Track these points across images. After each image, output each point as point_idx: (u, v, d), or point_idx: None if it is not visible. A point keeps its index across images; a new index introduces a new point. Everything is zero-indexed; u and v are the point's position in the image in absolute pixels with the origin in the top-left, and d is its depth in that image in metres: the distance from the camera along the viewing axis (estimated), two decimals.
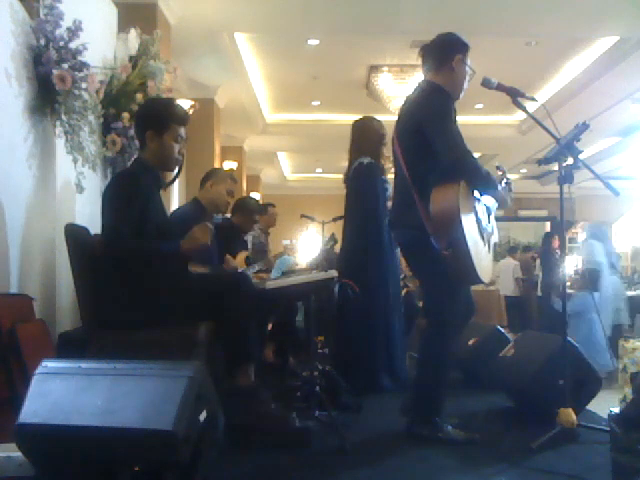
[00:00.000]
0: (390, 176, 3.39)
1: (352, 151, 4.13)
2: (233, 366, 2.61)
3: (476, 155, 11.05)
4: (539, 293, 8.90)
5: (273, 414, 2.60)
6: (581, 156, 2.76)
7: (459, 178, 2.62)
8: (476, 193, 2.76)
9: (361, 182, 4.00)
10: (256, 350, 2.73)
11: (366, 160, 3.99)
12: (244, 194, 9.26)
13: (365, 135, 4.07)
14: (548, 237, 9.28)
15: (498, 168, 2.97)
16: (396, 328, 4.00)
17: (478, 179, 2.69)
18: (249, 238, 5.24)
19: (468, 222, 2.60)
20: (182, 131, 2.79)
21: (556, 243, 9.15)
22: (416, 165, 2.74)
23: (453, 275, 2.65)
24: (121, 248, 2.56)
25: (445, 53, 2.82)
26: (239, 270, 4.00)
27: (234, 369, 2.60)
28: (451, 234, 2.55)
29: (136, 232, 2.56)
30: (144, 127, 2.77)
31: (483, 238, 2.75)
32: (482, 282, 2.71)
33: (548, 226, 14.86)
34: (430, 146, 2.65)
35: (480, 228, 2.73)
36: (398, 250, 3.90)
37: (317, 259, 4.06)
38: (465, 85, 2.86)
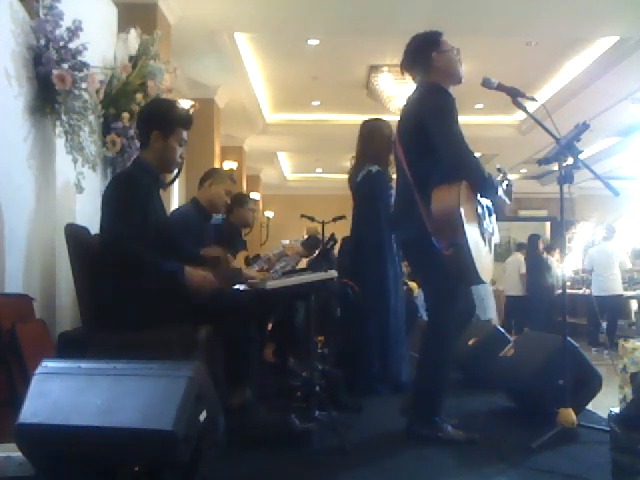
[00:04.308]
0: (393, 176, 3.40)
1: (359, 154, 4.11)
2: (230, 385, 2.62)
3: (476, 155, 11.01)
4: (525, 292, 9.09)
5: (272, 422, 2.61)
6: (581, 156, 2.77)
7: (460, 178, 2.62)
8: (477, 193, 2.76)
9: (370, 191, 4.01)
10: (255, 371, 2.73)
11: (374, 169, 3.98)
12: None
13: (373, 140, 4.03)
14: (533, 239, 9.36)
15: (499, 170, 2.97)
16: (397, 332, 4.00)
17: (479, 180, 2.69)
18: None
19: (469, 222, 2.60)
20: (185, 135, 2.81)
21: (541, 245, 9.30)
22: (418, 165, 2.74)
23: (454, 275, 2.65)
24: (122, 251, 2.55)
25: (421, 58, 2.84)
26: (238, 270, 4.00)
27: (230, 388, 2.61)
28: (452, 234, 2.55)
29: (136, 234, 2.56)
30: (150, 127, 2.77)
31: (484, 238, 2.75)
32: (483, 282, 2.71)
33: (548, 226, 14.85)
34: (432, 146, 2.65)
35: (481, 228, 2.73)
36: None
37: (315, 259, 4.06)
38: (458, 67, 2.86)
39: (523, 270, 9.42)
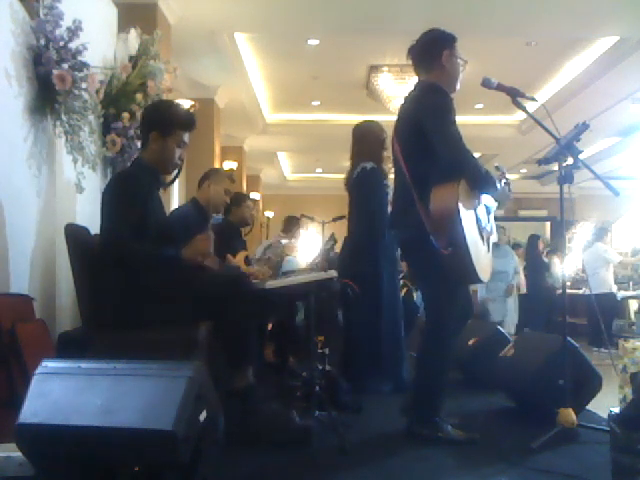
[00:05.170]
0: (390, 176, 3.40)
1: (354, 155, 4.14)
2: (232, 367, 2.61)
3: (476, 155, 11.03)
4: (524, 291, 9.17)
5: (272, 412, 2.61)
6: (581, 156, 2.76)
7: (458, 177, 2.62)
8: (476, 192, 2.76)
9: (365, 187, 4.01)
10: (255, 351, 2.73)
11: (369, 165, 3.99)
12: None
13: (366, 140, 4.07)
14: (533, 239, 9.41)
15: (497, 168, 2.97)
16: (395, 330, 3.99)
17: (477, 178, 2.69)
18: None
19: (467, 221, 2.60)
20: (186, 137, 2.79)
21: (541, 245, 9.37)
22: (416, 165, 2.74)
23: (452, 274, 2.65)
24: (121, 250, 2.55)
25: (432, 52, 2.82)
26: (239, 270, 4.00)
27: (232, 370, 2.61)
28: (451, 233, 2.55)
29: (136, 234, 2.56)
30: (149, 127, 2.77)
31: (482, 237, 2.75)
32: (481, 281, 2.71)
33: (548, 226, 14.86)
34: (429, 145, 2.65)
35: (479, 227, 2.73)
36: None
37: (316, 260, 4.06)
38: (460, 77, 2.86)
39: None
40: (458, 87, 2.87)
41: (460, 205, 2.56)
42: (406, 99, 2.92)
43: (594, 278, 8.30)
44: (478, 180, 2.69)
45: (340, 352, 4.02)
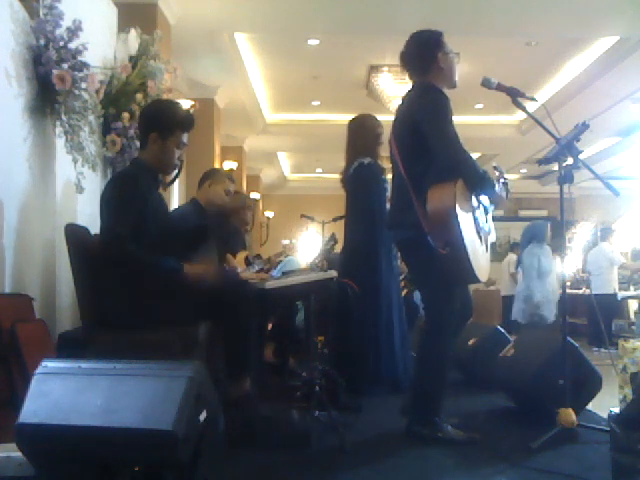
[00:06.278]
0: (388, 176, 3.40)
1: (349, 151, 4.12)
2: (230, 377, 2.62)
3: (476, 155, 11.04)
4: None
5: (271, 420, 2.61)
6: (581, 156, 2.77)
7: (456, 177, 2.62)
8: (473, 192, 2.76)
9: (363, 182, 3.99)
10: (253, 361, 2.72)
11: (366, 160, 3.98)
12: None
13: (361, 134, 4.06)
14: None
15: (495, 168, 2.97)
16: (395, 329, 3.98)
17: (474, 178, 2.69)
18: None
19: (465, 221, 2.61)
20: (185, 137, 2.79)
21: None
22: (413, 165, 2.75)
23: (450, 274, 2.65)
24: (120, 252, 2.54)
25: (427, 56, 2.83)
26: (239, 270, 3.99)
27: (230, 381, 2.61)
28: (448, 233, 2.56)
29: (136, 233, 2.55)
30: (148, 128, 2.76)
31: (480, 237, 2.75)
32: (479, 281, 2.71)
33: (548, 226, 14.84)
34: (427, 146, 2.66)
35: (477, 227, 2.73)
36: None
37: (316, 260, 4.06)
38: (456, 71, 2.86)
39: (512, 269, 9.50)
40: (457, 79, 2.87)
41: (457, 205, 2.56)
42: (403, 100, 2.93)
43: (599, 278, 8.28)
44: (475, 180, 2.70)
45: (337, 352, 4.01)
